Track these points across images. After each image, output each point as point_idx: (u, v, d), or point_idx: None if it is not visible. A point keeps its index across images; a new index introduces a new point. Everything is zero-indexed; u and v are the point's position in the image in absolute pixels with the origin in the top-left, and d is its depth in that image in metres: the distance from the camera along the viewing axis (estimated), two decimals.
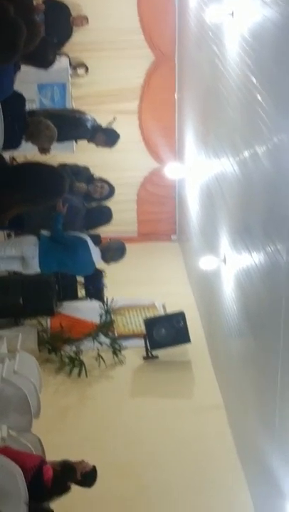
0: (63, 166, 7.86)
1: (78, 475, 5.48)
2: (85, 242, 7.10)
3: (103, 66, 10.05)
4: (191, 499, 6.49)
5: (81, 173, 8.04)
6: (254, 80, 5.30)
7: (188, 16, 8.84)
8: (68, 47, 9.69)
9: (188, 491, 6.56)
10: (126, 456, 6.92)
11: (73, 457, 5.62)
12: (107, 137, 7.89)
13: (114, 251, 7.35)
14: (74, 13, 9.59)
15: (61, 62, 9.00)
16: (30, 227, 7.27)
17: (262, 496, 6.07)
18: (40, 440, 6.03)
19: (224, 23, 6.37)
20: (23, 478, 5.16)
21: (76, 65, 9.93)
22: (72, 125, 7.61)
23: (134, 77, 10.25)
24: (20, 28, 3.88)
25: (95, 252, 7.17)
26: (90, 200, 8.12)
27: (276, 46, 4.72)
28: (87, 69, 10.02)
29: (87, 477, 5.51)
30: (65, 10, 9.53)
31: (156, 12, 9.83)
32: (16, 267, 7.24)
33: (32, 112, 6.97)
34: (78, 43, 9.85)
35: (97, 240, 7.96)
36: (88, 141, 8.01)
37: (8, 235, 8.27)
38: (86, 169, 8.23)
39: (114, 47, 9.98)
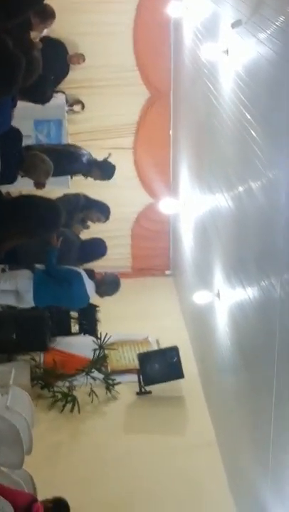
0: (61, 200, 7.88)
1: None
2: (80, 276, 7.10)
3: (99, 103, 10.14)
4: None
5: (75, 207, 8.04)
6: (248, 116, 5.35)
7: (183, 53, 8.96)
8: (65, 84, 9.78)
9: None
10: (118, 493, 6.84)
11: (65, 494, 5.56)
12: (103, 170, 7.95)
13: (108, 284, 7.36)
14: (71, 51, 9.70)
15: (58, 99, 9.08)
16: (25, 261, 7.27)
17: None
18: (31, 477, 5.97)
19: (219, 60, 6.45)
20: None
21: (72, 102, 10.02)
22: (67, 160, 7.65)
23: (130, 114, 10.34)
24: (20, 61, 3.92)
25: (90, 286, 7.18)
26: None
27: (270, 83, 4.79)
28: (83, 106, 10.10)
29: None
30: (62, 48, 9.64)
31: (152, 50, 9.95)
32: (10, 300, 7.23)
33: (28, 147, 7.02)
34: (75, 80, 9.95)
35: (90, 274, 7.96)
36: (84, 175, 8.05)
37: (3, 270, 8.26)
38: (76, 197, 8.20)
39: (111, 84, 10.08)
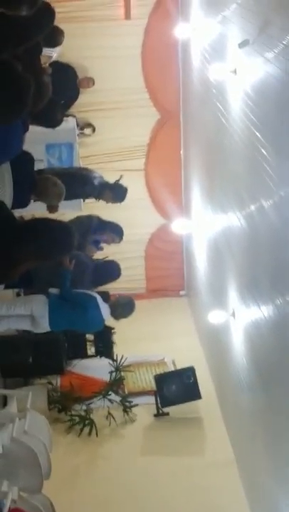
0: (74, 222, 7.91)
1: None
2: (94, 300, 7.09)
3: (110, 125, 10.21)
4: None
5: (88, 229, 8.05)
6: (258, 135, 5.37)
7: (191, 74, 9.01)
8: (75, 107, 9.86)
9: None
10: None
11: None
12: (115, 193, 7.95)
13: (123, 307, 7.34)
14: (80, 75, 9.79)
15: (68, 123, 9.13)
16: (39, 284, 7.28)
17: None
18: (51, 502, 5.93)
19: (227, 80, 6.49)
20: None
21: (83, 125, 10.09)
22: (79, 183, 7.67)
23: (140, 136, 10.40)
24: (29, 83, 3.95)
25: (105, 309, 7.16)
26: None
27: (279, 101, 4.80)
28: (94, 129, 10.17)
29: None
30: (71, 72, 9.73)
31: (160, 71, 10.03)
32: (26, 325, 7.22)
33: (40, 171, 7.05)
34: (85, 103, 10.03)
35: (105, 296, 7.94)
36: (96, 198, 8.07)
37: (17, 294, 8.27)
38: (89, 219, 8.23)
39: (120, 106, 10.15)
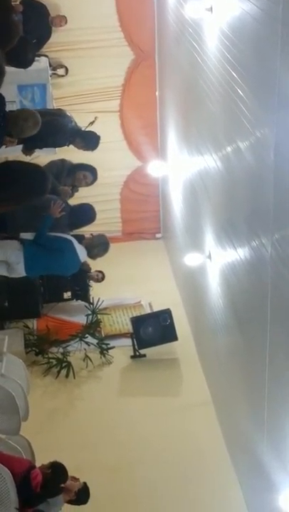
0: (47, 166, 7.84)
1: (72, 494, 5.48)
2: (70, 243, 7.06)
3: (83, 66, 10.00)
4: (182, 496, 6.50)
5: (61, 171, 7.98)
6: (235, 75, 5.28)
7: (167, 12, 8.81)
8: (48, 47, 9.63)
9: (179, 488, 6.57)
10: (116, 456, 6.92)
11: (63, 458, 5.60)
12: (87, 141, 7.84)
13: (98, 247, 7.37)
14: (53, 13, 9.53)
15: (41, 63, 8.94)
16: (13, 229, 7.22)
17: (253, 489, 6.08)
18: (29, 443, 6.00)
19: (203, 18, 6.35)
20: (13, 481, 5.12)
21: (56, 66, 9.88)
22: (51, 131, 7.51)
23: (115, 76, 10.21)
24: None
25: (81, 251, 7.16)
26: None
27: (256, 40, 4.71)
28: (67, 69, 9.96)
29: (81, 494, 5.52)
30: (43, 10, 9.46)
31: (134, 10, 9.78)
32: (2, 271, 7.17)
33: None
34: (58, 42, 9.80)
35: (80, 239, 7.91)
36: (68, 145, 7.95)
37: None
38: (62, 162, 8.16)
39: (94, 46, 9.93)
